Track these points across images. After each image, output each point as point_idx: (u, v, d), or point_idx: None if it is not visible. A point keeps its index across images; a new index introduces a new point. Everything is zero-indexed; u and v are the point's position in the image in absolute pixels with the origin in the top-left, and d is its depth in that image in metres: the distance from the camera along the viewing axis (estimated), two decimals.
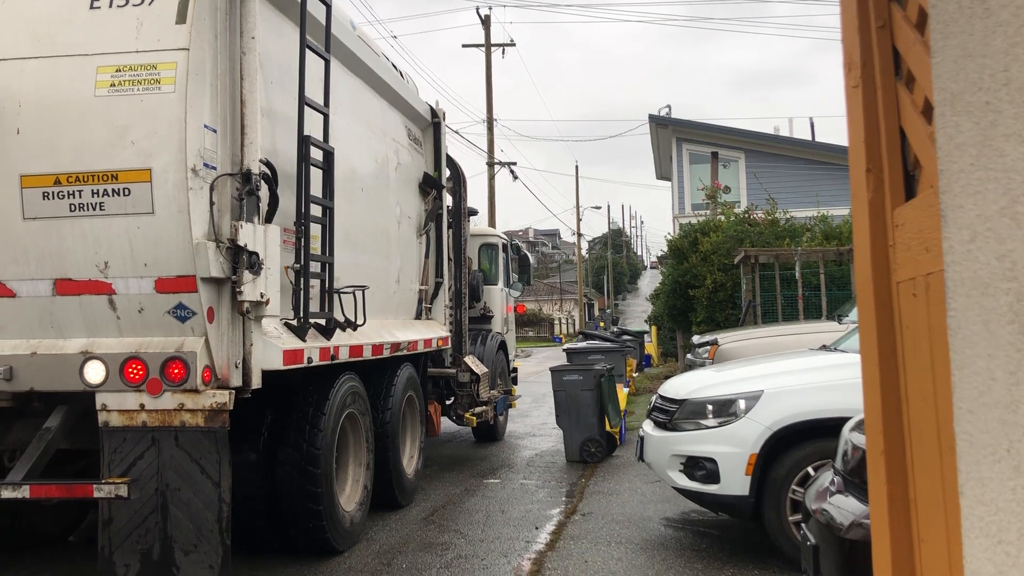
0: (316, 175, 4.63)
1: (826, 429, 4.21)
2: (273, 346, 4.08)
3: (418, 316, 7.15)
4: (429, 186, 7.34)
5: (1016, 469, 0.87)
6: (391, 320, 6.33)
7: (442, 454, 8.82)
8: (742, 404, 4.67)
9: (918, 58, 1.34)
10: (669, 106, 23.22)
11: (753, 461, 4.52)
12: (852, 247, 1.68)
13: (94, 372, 3.73)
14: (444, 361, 7.82)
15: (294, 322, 4.39)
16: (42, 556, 5.05)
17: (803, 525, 3.22)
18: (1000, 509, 0.90)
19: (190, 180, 3.64)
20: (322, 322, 4.70)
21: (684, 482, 4.85)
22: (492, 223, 23.80)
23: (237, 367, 3.90)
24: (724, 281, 13.00)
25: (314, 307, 4.64)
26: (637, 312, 51.78)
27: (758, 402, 4.61)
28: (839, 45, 1.68)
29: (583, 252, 57.59)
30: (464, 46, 26.87)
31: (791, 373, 5.02)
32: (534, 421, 11.60)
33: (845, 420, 3.31)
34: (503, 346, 9.89)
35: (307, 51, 4.48)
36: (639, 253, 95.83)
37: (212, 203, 3.77)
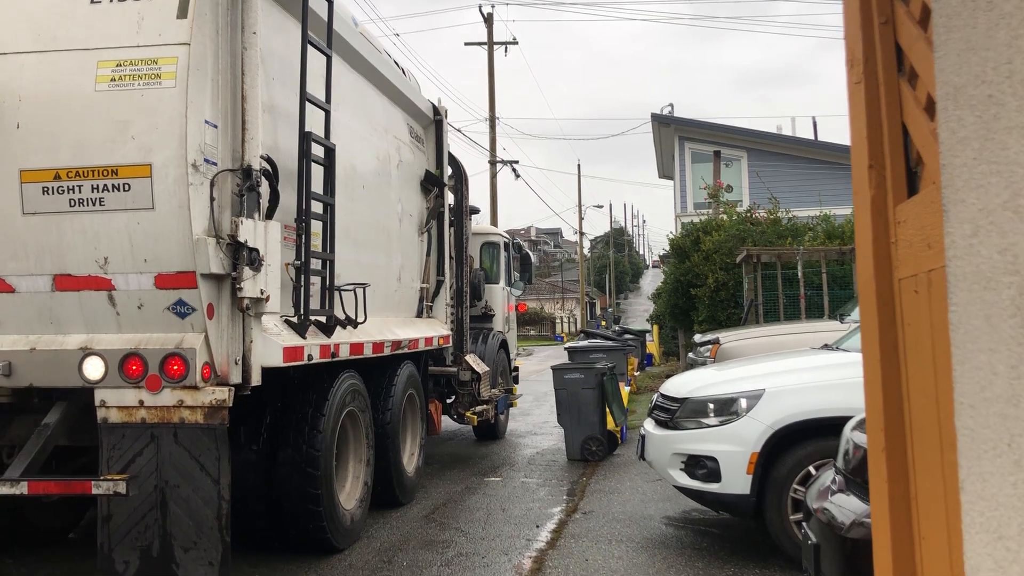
0: (317, 171, 4.63)
1: (827, 428, 4.20)
2: (273, 343, 4.07)
3: (419, 314, 7.14)
4: (431, 184, 7.33)
5: (1017, 464, 0.87)
6: (392, 318, 6.32)
7: (443, 452, 8.82)
8: (743, 403, 4.66)
9: (921, 54, 1.33)
10: (672, 105, 23.22)
11: (754, 460, 4.50)
12: (854, 246, 1.67)
13: (93, 368, 3.72)
14: (445, 359, 7.82)
15: (294, 319, 4.38)
16: (42, 553, 5.05)
17: (804, 524, 3.21)
18: (1001, 504, 0.90)
19: (190, 176, 3.63)
20: (323, 319, 4.69)
21: (685, 481, 4.84)
22: (494, 222, 23.79)
23: (237, 364, 3.89)
24: (726, 280, 12.98)
25: (315, 304, 4.64)
26: (639, 311, 51.77)
27: (759, 401, 4.60)
28: (842, 44, 1.67)
29: (585, 251, 57.56)
30: (467, 44, 26.87)
31: (793, 372, 5.01)
32: (535, 419, 11.59)
33: (847, 419, 3.30)
34: (504, 345, 9.88)
35: (309, 47, 4.47)
36: (641, 252, 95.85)
37: (212, 199, 3.76)
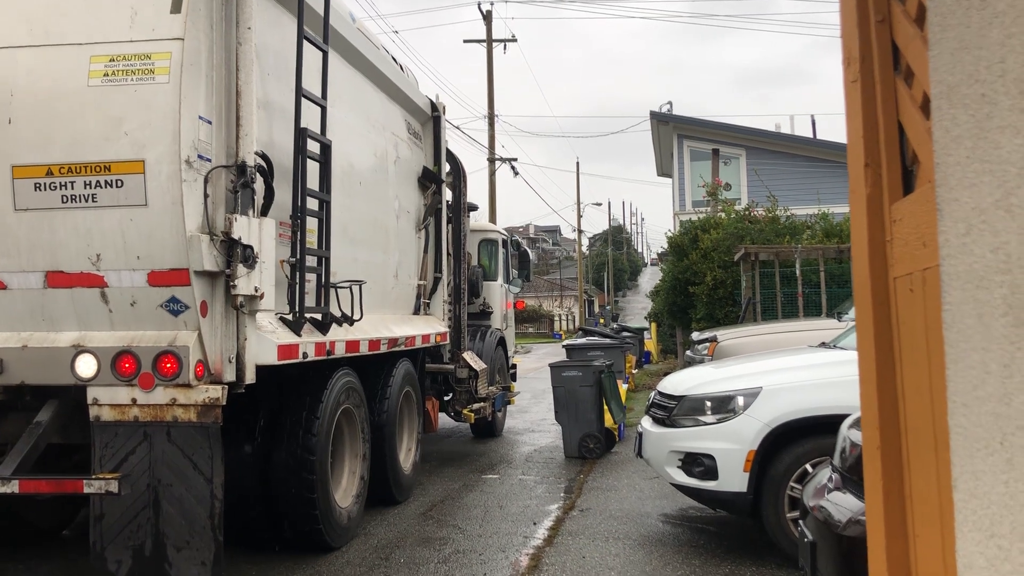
0: (313, 168, 4.61)
1: (824, 426, 4.19)
2: (267, 341, 4.05)
3: (416, 311, 7.13)
4: (428, 180, 7.31)
5: (1009, 462, 0.86)
6: (389, 315, 6.31)
7: (441, 450, 8.82)
8: (741, 401, 4.65)
9: (917, 53, 1.33)
10: (670, 103, 23.19)
11: (751, 458, 4.50)
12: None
13: (85, 366, 3.70)
14: (442, 357, 7.80)
15: (289, 317, 4.36)
16: (36, 551, 5.03)
17: (801, 522, 3.21)
18: (993, 503, 0.90)
19: (184, 172, 3.60)
20: (318, 317, 4.67)
21: (682, 478, 4.83)
22: (493, 219, 23.77)
23: (231, 362, 3.87)
24: (724, 278, 12.98)
25: (310, 302, 4.62)
26: (637, 309, 51.79)
27: (757, 399, 4.60)
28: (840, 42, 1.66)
29: (584, 249, 57.57)
30: (466, 41, 26.81)
31: (790, 370, 5.01)
32: (533, 417, 11.59)
33: (843, 417, 3.29)
34: (502, 342, 9.87)
35: (305, 42, 4.45)
36: (639, 250, 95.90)
37: (206, 195, 3.74)
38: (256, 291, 3.88)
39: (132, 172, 3.62)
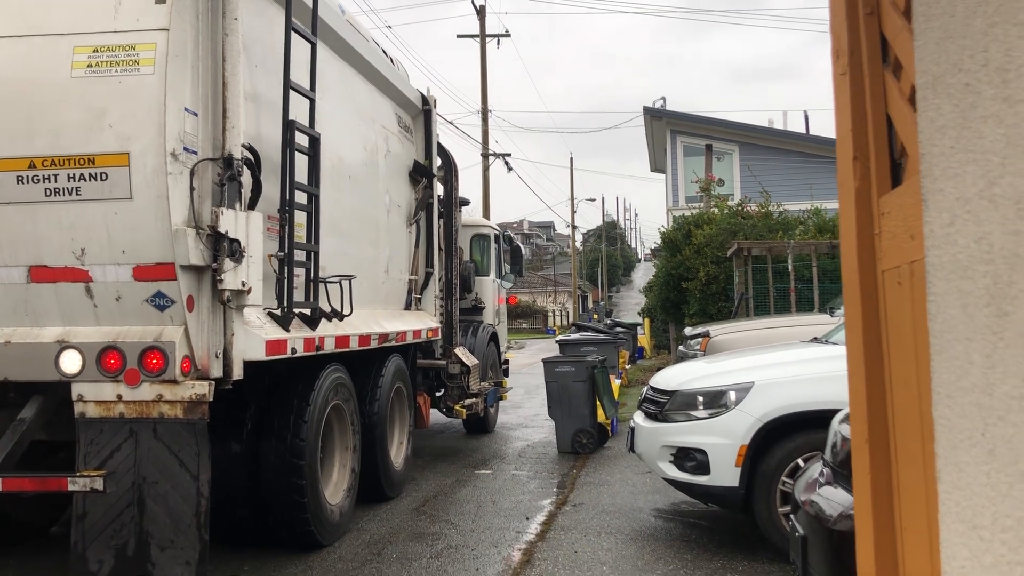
0: (301, 161, 4.56)
1: (816, 421, 4.19)
2: (255, 336, 4.01)
3: (408, 307, 7.10)
4: (420, 175, 7.27)
5: (991, 453, 0.86)
6: (379, 310, 6.27)
7: (433, 445, 8.80)
8: (733, 396, 4.65)
9: (905, 44, 1.32)
10: (664, 98, 23.23)
11: (743, 452, 4.50)
12: None
13: (70, 362, 3.65)
14: (434, 352, 7.78)
15: (278, 312, 4.33)
16: (22, 549, 4.99)
17: (792, 516, 3.20)
18: (975, 494, 0.89)
19: (169, 165, 3.56)
20: (307, 312, 4.64)
21: (674, 473, 4.83)
22: (487, 215, 23.72)
23: (217, 357, 3.83)
24: (717, 273, 13.00)
25: (299, 296, 4.58)
26: (631, 304, 51.90)
27: (748, 394, 4.59)
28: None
29: (577, 244, 57.60)
30: (459, 36, 26.71)
31: (782, 365, 5.01)
32: (526, 412, 11.59)
33: (835, 412, 3.29)
34: (494, 337, 9.85)
35: (293, 34, 4.40)
36: (633, 246, 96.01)
37: (192, 189, 3.70)
38: (243, 286, 3.84)
39: (117, 165, 3.57)
